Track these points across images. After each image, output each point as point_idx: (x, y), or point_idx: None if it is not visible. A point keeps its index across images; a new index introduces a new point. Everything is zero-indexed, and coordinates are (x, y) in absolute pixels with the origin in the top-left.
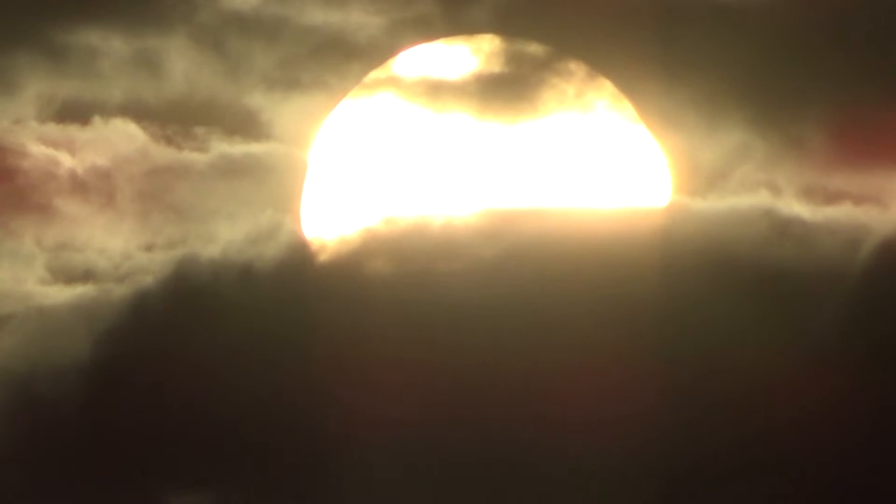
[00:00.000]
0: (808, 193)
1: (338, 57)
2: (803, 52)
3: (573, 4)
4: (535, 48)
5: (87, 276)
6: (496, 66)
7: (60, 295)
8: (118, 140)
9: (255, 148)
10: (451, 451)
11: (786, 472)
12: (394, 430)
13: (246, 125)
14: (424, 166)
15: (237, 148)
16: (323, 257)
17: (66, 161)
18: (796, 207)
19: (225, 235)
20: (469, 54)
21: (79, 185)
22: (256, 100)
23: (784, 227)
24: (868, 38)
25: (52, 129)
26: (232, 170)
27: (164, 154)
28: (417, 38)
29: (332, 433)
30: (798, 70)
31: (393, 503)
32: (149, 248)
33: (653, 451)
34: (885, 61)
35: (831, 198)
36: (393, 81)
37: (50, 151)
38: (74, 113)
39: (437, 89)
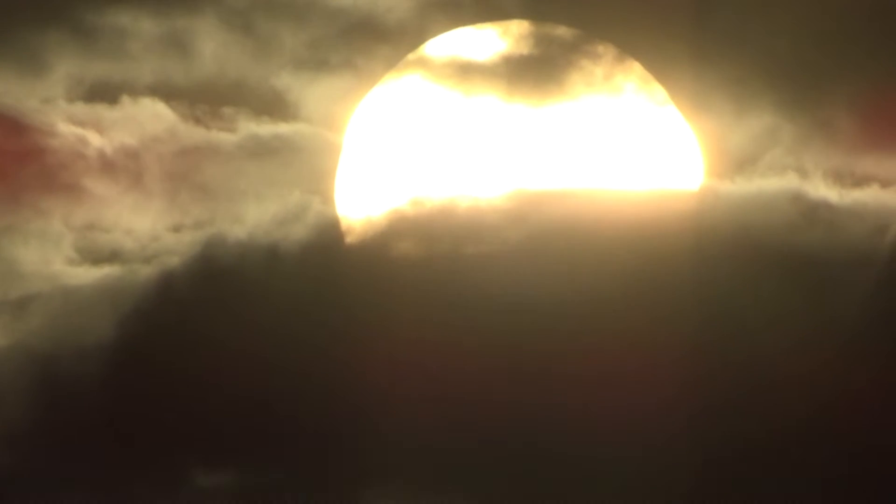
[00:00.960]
0: (836, 176)
1: (367, 39)
2: (832, 36)
3: None
4: (563, 31)
5: (113, 256)
6: (525, 50)
7: (87, 275)
8: (146, 120)
9: (283, 129)
10: (474, 431)
11: (811, 456)
12: (418, 410)
13: (274, 106)
14: (453, 148)
15: (265, 128)
16: (350, 239)
17: (95, 141)
18: (824, 190)
19: (252, 216)
20: (498, 38)
21: (107, 165)
22: (285, 81)
23: (812, 211)
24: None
25: (81, 108)
26: (260, 150)
27: (192, 134)
28: (446, 21)
29: (357, 412)
30: (826, 54)
31: (416, 477)
32: (176, 228)
33: (679, 434)
34: None
35: (859, 181)
36: (422, 64)
37: (78, 131)
38: (103, 93)
39: (466, 72)
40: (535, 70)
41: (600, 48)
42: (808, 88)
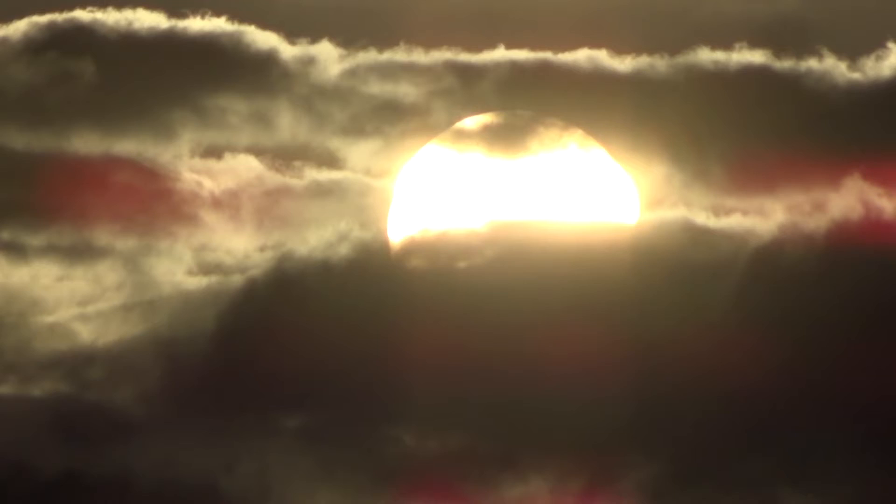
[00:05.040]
0: (712, 209)
1: (390, 115)
2: (707, 114)
3: (553, 84)
4: (527, 114)
5: (217, 268)
6: (503, 123)
7: (199, 282)
8: (242, 171)
9: (335, 175)
10: (472, 385)
11: (695, 398)
12: (430, 370)
13: (329, 160)
14: (452, 191)
15: (323, 175)
16: (380, 255)
17: (207, 185)
18: (703, 219)
19: (313, 238)
20: (482, 121)
21: (215, 203)
22: (335, 143)
23: (696, 234)
24: (753, 105)
25: (198, 162)
26: (319, 192)
27: (273, 180)
28: (446, 105)
29: (391, 371)
30: (706, 126)
31: (428, 418)
32: (261, 248)
33: (618, 388)
34: (764, 122)
35: (727, 212)
36: (433, 132)
37: (196, 178)
38: (213, 151)
39: (461, 137)
40: (509, 138)
41: (552, 121)
42: (692, 149)
